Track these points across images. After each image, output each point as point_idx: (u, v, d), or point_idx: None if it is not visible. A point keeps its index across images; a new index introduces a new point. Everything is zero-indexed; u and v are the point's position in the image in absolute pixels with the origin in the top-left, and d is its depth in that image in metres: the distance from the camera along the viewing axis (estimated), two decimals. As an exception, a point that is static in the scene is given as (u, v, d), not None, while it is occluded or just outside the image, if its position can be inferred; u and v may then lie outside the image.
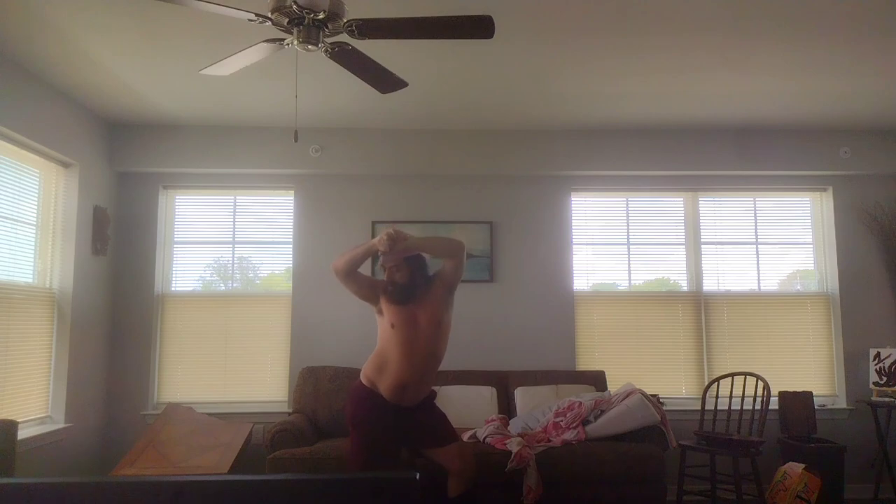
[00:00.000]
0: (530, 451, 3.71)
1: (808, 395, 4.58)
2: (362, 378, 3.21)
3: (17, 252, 3.93)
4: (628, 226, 5.09)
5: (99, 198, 4.61)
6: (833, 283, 4.97)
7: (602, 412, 4.04)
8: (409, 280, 3.18)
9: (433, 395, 3.34)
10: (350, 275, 3.19)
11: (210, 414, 4.56)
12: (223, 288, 4.99)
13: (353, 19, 2.51)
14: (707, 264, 5.04)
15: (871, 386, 4.60)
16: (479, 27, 2.49)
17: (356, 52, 2.74)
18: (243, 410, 4.73)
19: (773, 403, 4.64)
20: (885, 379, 4.52)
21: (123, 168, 4.82)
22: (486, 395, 4.44)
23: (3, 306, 3.72)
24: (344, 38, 2.63)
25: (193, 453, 4.13)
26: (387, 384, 3.14)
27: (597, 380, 4.57)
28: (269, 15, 2.44)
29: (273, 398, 4.81)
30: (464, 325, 4.70)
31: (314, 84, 4.02)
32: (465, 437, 4.03)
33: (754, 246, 5.09)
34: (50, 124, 4.03)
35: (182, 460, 4.09)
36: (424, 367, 3.18)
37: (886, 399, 4.43)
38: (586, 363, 4.88)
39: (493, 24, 2.47)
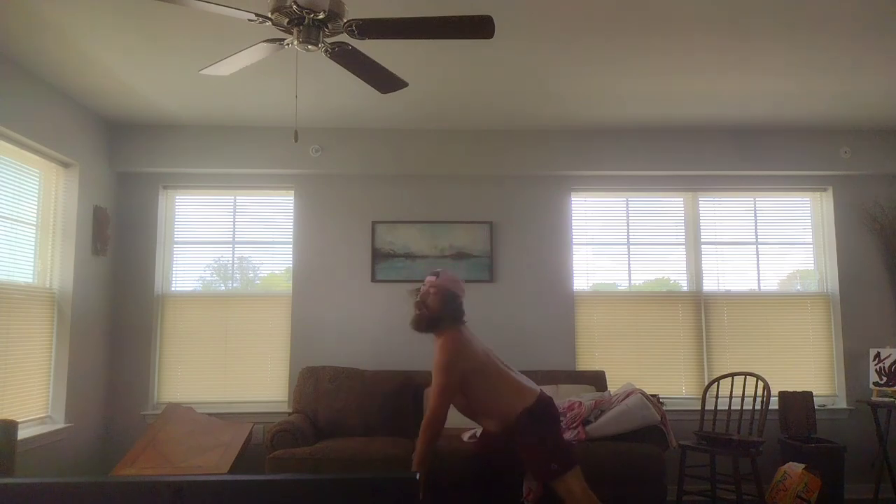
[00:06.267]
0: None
1: (808, 395, 4.58)
2: None
3: (17, 252, 3.93)
4: (628, 226, 5.08)
5: (99, 198, 4.61)
6: (833, 283, 4.97)
7: (602, 412, 4.04)
8: (439, 310, 3.19)
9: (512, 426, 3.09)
10: (433, 410, 3.06)
11: (210, 414, 4.56)
12: (223, 288, 4.99)
13: (353, 19, 2.50)
14: (707, 264, 5.03)
15: (871, 386, 4.60)
16: (479, 27, 2.49)
17: (356, 52, 2.74)
18: (243, 410, 4.73)
19: (773, 403, 4.64)
20: (885, 379, 4.52)
21: (123, 168, 4.82)
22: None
23: (3, 306, 3.72)
24: (344, 38, 2.63)
25: (193, 453, 4.13)
26: None
27: (597, 380, 4.57)
28: (269, 15, 2.44)
29: (273, 398, 4.81)
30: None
31: (314, 84, 4.02)
32: (466, 436, 4.03)
33: (754, 246, 5.08)
34: (50, 124, 4.03)
35: (182, 460, 4.09)
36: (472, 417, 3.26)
37: (886, 399, 4.43)
38: (586, 363, 4.88)
39: (493, 24, 2.47)
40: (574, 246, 5.00)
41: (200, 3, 2.31)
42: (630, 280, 5.05)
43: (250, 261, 5.03)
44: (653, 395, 4.20)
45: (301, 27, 2.48)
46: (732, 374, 4.46)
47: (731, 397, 4.36)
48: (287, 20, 2.46)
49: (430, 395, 3.11)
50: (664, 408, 4.24)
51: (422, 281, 4.85)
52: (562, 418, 4.02)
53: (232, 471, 4.10)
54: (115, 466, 4.19)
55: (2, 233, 3.79)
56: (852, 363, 4.85)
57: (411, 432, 4.32)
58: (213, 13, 2.42)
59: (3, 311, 3.71)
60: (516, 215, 4.97)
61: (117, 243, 4.83)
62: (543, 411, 3.11)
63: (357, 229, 4.93)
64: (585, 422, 3.98)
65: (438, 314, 3.17)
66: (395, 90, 3.10)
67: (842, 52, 3.59)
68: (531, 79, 3.96)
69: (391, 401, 4.35)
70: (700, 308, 4.98)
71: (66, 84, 4.03)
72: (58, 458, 4.07)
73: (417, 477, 1.15)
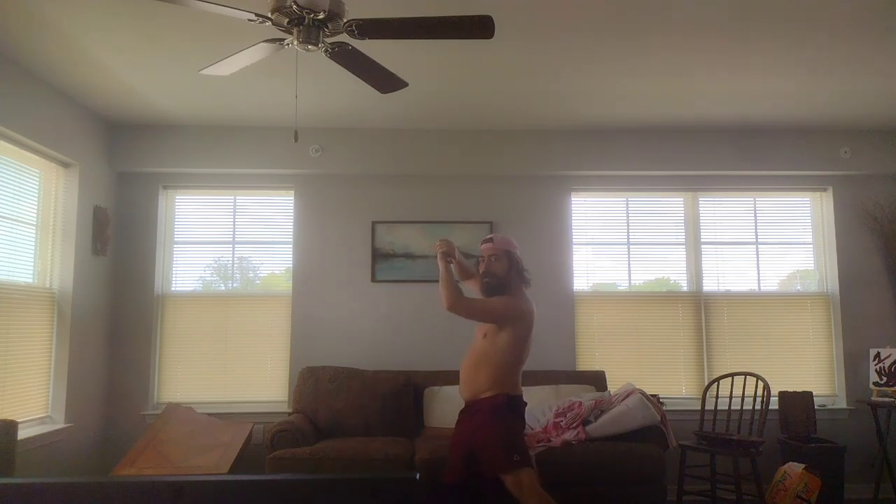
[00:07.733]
0: (530, 452, 3.70)
1: (808, 395, 4.57)
2: None
3: (17, 252, 3.93)
4: (628, 226, 5.08)
5: (99, 198, 4.61)
6: (833, 284, 4.97)
7: (602, 412, 4.04)
8: (506, 273, 3.21)
9: (486, 400, 3.12)
10: (466, 302, 3.19)
11: (210, 414, 4.56)
12: (223, 288, 4.99)
13: (353, 19, 2.51)
14: (707, 264, 5.03)
15: (871, 386, 4.60)
16: (479, 27, 2.49)
17: (356, 52, 2.74)
18: (243, 410, 4.73)
19: (773, 403, 4.64)
20: (885, 379, 4.52)
21: (123, 168, 4.82)
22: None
23: (3, 306, 3.72)
24: (344, 38, 2.63)
25: (193, 453, 4.13)
26: None
27: (597, 380, 4.57)
28: (269, 15, 2.44)
29: (273, 398, 4.81)
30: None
31: (314, 84, 4.02)
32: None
33: (754, 246, 5.08)
34: (50, 124, 4.03)
35: (182, 460, 4.09)
36: (467, 367, 3.26)
37: (886, 399, 4.43)
38: (586, 363, 4.88)
39: (493, 24, 2.47)
40: (574, 246, 5.00)
41: (200, 3, 2.31)
42: (630, 280, 5.04)
43: (250, 261, 5.03)
44: (653, 395, 4.20)
45: (301, 27, 2.48)
46: (732, 374, 4.46)
47: (731, 397, 4.36)
48: (287, 20, 2.46)
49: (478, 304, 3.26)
50: (664, 408, 4.23)
51: (422, 281, 4.89)
52: (561, 418, 4.02)
53: (232, 471, 4.10)
54: (115, 466, 4.19)
55: (2, 233, 3.79)
56: (852, 363, 4.85)
57: (411, 432, 4.33)
58: (213, 13, 2.42)
59: (3, 311, 3.71)
60: (516, 215, 4.97)
61: (117, 243, 4.83)
62: (521, 408, 3.20)
63: (357, 229, 4.93)
64: (585, 422, 3.98)
65: (506, 277, 3.22)
66: (395, 90, 3.10)
67: (842, 52, 3.58)
68: (531, 79, 3.96)
69: (391, 401, 4.35)
70: (700, 308, 4.98)
71: (66, 84, 4.03)
72: (58, 458, 4.07)
73: (417, 477, 1.15)
